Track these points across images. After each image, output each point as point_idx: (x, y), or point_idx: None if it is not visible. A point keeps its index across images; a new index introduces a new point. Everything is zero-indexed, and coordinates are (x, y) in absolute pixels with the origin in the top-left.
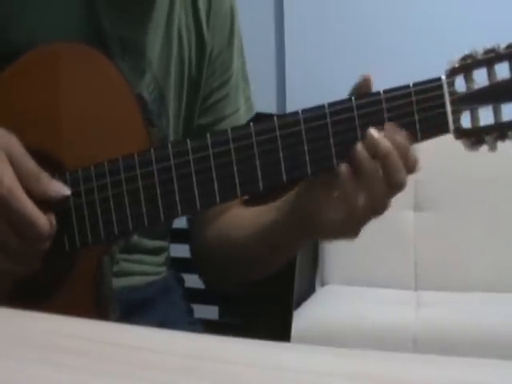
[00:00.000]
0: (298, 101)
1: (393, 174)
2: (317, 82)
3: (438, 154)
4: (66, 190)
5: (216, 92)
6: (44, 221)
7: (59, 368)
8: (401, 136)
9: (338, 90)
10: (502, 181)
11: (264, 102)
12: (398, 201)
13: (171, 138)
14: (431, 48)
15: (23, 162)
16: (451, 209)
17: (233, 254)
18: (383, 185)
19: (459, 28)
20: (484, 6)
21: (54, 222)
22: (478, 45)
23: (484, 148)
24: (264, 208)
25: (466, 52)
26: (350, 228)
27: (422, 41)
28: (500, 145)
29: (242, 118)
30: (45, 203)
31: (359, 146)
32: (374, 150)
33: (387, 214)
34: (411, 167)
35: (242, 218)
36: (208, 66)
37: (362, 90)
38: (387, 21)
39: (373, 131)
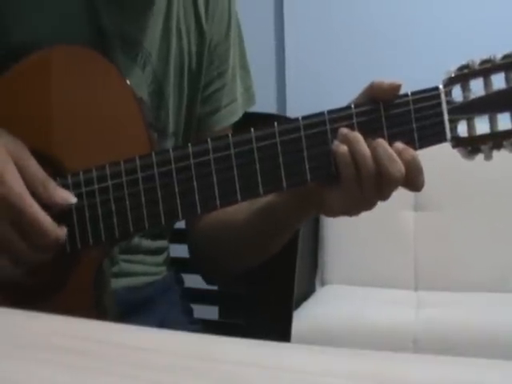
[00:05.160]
0: (298, 101)
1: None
2: (317, 82)
3: (438, 154)
4: (72, 199)
5: (214, 82)
6: (54, 229)
7: (59, 368)
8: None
9: (338, 89)
10: (502, 181)
11: (264, 102)
12: (398, 201)
13: (171, 129)
14: (433, 48)
15: (31, 169)
16: (451, 209)
17: (231, 239)
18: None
19: (463, 29)
20: (489, 9)
21: (65, 232)
22: (483, 47)
23: (480, 157)
24: None
25: (463, 62)
26: (358, 206)
27: (423, 42)
28: None
29: (240, 108)
30: (50, 211)
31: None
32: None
33: (387, 213)
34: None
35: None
36: (207, 55)
37: (387, 94)
38: (388, 21)
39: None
